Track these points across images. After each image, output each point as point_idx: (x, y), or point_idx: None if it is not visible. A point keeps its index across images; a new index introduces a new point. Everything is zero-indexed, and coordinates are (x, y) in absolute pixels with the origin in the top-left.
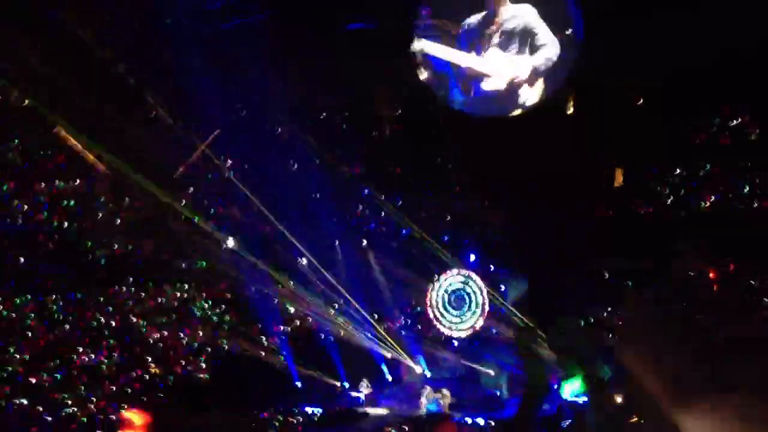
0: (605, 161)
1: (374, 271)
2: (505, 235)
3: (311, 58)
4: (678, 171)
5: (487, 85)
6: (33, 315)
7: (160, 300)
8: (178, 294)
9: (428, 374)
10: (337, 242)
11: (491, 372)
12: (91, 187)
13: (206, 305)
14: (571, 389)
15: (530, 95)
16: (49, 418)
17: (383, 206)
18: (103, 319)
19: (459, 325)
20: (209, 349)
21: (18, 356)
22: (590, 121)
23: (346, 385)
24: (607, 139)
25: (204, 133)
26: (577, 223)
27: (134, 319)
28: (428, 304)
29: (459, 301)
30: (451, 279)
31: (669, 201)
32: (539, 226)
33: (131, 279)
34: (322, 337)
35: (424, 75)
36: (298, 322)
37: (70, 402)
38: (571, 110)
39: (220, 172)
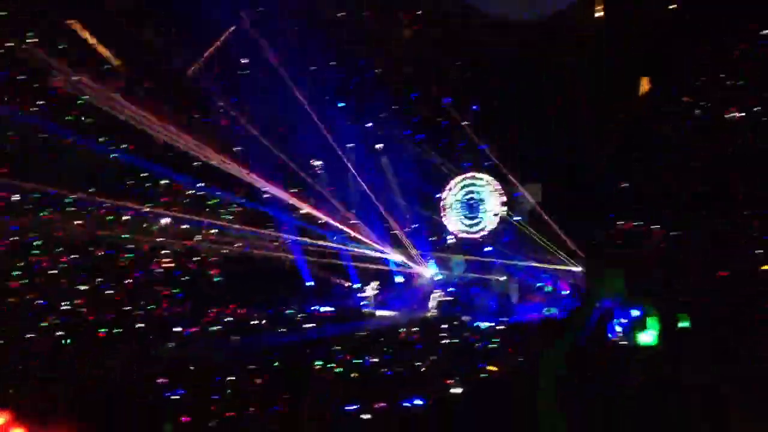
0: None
1: (388, 176)
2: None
3: None
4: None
5: None
6: (48, 211)
7: (174, 197)
8: (191, 191)
9: (439, 278)
10: (350, 146)
11: (501, 278)
12: (105, 83)
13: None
14: (645, 339)
15: None
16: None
17: (399, 111)
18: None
19: (471, 228)
20: (225, 251)
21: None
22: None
23: (356, 286)
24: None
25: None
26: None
27: (149, 215)
28: (442, 207)
29: (472, 203)
30: (465, 182)
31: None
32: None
33: (144, 174)
34: (335, 239)
35: None
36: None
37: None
38: (600, 13)
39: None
